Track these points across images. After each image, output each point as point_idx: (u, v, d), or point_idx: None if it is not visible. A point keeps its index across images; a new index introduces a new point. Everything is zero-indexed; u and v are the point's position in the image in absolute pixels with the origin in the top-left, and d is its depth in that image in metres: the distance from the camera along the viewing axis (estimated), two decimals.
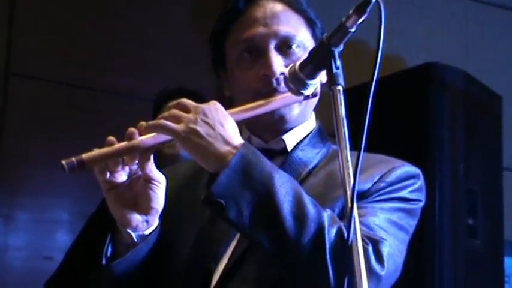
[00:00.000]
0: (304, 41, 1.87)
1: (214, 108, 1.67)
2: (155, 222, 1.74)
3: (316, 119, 1.94)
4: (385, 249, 1.66)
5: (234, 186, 1.58)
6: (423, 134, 3.73)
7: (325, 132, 1.94)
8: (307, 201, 1.60)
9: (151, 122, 1.66)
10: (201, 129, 1.63)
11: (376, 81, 1.42)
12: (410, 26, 4.80)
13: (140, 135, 1.66)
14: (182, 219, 1.82)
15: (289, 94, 1.72)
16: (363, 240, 1.57)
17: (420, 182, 1.86)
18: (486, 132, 3.99)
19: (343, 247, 1.50)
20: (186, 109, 1.66)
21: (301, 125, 1.88)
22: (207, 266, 1.75)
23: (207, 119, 1.64)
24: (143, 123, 1.67)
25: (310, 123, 1.92)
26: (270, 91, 1.80)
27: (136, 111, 3.83)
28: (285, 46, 1.84)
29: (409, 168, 1.84)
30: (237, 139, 1.65)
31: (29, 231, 4.13)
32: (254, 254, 1.72)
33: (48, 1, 4.30)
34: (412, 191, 1.83)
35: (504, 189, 4.10)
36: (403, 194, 1.81)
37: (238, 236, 1.76)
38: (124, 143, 1.65)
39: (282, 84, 1.74)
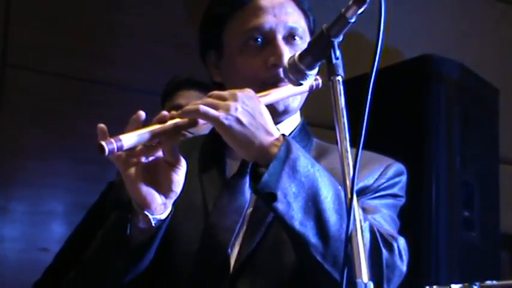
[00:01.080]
0: (304, 32, 1.89)
1: (251, 96, 1.66)
2: (170, 207, 1.71)
3: (301, 114, 1.96)
4: (401, 245, 1.71)
5: (283, 179, 1.59)
6: (420, 126, 3.73)
7: (308, 127, 1.96)
8: (343, 194, 1.62)
9: (188, 107, 1.63)
10: (243, 117, 1.61)
11: (375, 73, 1.41)
12: (408, 18, 4.80)
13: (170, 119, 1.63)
14: (182, 208, 1.78)
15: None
16: (386, 239, 1.65)
17: (405, 179, 1.92)
18: (483, 124, 3.99)
19: (375, 243, 1.60)
20: (221, 97, 1.64)
21: (290, 118, 1.90)
22: (223, 255, 1.74)
23: (247, 107, 1.63)
24: (174, 112, 1.64)
25: (297, 117, 1.94)
26: (278, 80, 1.81)
27: (133, 102, 3.81)
28: (290, 37, 1.86)
29: (399, 165, 1.91)
30: (275, 129, 1.66)
31: (24, 222, 4.12)
32: (266, 242, 1.74)
33: None
34: (400, 188, 1.89)
35: (500, 181, 4.11)
36: (395, 190, 1.88)
37: (246, 223, 1.77)
38: (159, 126, 1.61)
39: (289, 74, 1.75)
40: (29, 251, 4.07)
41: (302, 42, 1.86)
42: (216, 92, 1.67)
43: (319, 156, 1.85)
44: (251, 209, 1.80)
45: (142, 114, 1.63)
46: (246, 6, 1.87)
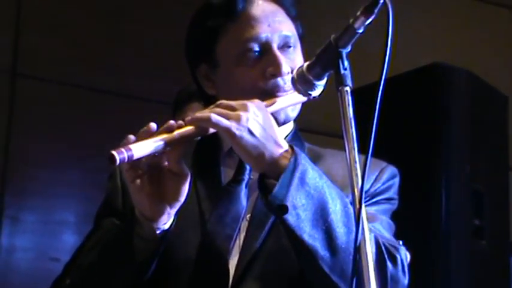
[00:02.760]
0: (295, 40, 1.90)
1: (261, 107, 1.67)
2: (173, 216, 1.71)
3: (294, 121, 1.96)
4: (403, 257, 1.72)
5: (293, 191, 1.59)
6: (429, 134, 3.72)
7: (300, 132, 1.97)
8: (350, 206, 1.62)
9: (199, 115, 1.64)
10: (254, 128, 1.62)
11: (384, 82, 1.42)
12: (417, 27, 4.80)
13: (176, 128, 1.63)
14: (178, 217, 1.76)
15: (295, 93, 1.73)
16: (390, 252, 1.66)
17: (398, 181, 1.92)
18: (492, 133, 3.98)
19: (381, 256, 1.61)
20: (231, 108, 1.65)
21: (284, 126, 1.90)
22: (223, 263, 1.73)
23: (258, 118, 1.64)
24: (181, 122, 1.64)
25: (290, 124, 1.94)
26: (278, 90, 1.82)
27: (143, 112, 3.83)
28: (285, 46, 1.87)
29: (392, 168, 1.91)
30: (283, 141, 1.67)
31: (35, 232, 4.14)
32: (266, 250, 1.74)
33: (54, 1, 4.30)
34: (394, 191, 1.89)
35: (510, 190, 4.09)
36: (390, 193, 1.88)
37: (244, 231, 1.77)
38: (168, 136, 1.61)
39: (288, 84, 1.76)
40: (40, 261, 4.08)
41: (295, 50, 1.88)
42: (224, 102, 1.67)
43: (313, 161, 1.84)
44: (248, 215, 1.80)
45: (153, 126, 1.63)
46: (239, 17, 1.86)
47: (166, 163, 1.67)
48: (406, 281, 1.71)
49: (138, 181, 1.65)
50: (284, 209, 1.58)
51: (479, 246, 3.74)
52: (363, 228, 1.37)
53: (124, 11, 4.41)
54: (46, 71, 4.19)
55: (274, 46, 1.85)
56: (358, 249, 1.35)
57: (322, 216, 1.61)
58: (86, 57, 4.26)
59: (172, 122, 1.64)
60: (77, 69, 4.23)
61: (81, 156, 4.16)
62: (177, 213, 1.72)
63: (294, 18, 1.93)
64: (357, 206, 1.38)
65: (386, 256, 1.66)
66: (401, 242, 1.76)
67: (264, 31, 1.85)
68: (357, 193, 1.40)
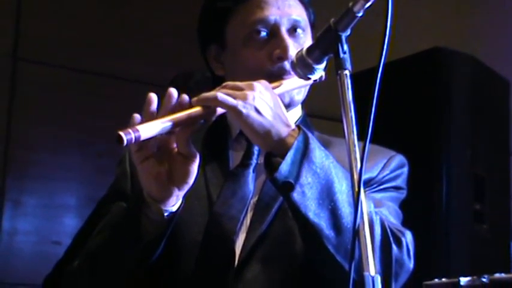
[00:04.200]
0: (306, 25, 1.90)
1: (267, 87, 1.68)
2: (181, 198, 1.72)
3: (302, 107, 1.96)
4: (409, 241, 1.72)
5: (299, 168, 1.60)
6: (430, 119, 3.72)
7: (309, 119, 1.97)
8: None
9: (205, 95, 1.63)
10: (261, 106, 1.62)
11: (383, 66, 1.42)
12: (418, 11, 4.79)
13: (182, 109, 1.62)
14: (186, 199, 1.76)
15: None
16: (396, 234, 1.66)
17: (407, 170, 1.92)
18: (493, 117, 3.98)
19: (386, 238, 1.61)
20: (237, 88, 1.65)
21: (292, 111, 1.91)
22: (229, 244, 1.74)
23: (264, 97, 1.64)
24: (186, 97, 1.63)
25: (298, 110, 1.95)
26: (284, 73, 1.82)
27: (145, 96, 3.83)
28: (293, 29, 1.87)
29: (401, 157, 1.91)
30: (290, 120, 1.67)
31: (37, 216, 4.15)
32: (272, 232, 1.75)
33: None
34: (402, 180, 1.90)
35: (511, 174, 4.10)
36: (398, 182, 1.89)
37: (251, 213, 1.78)
38: (176, 116, 1.60)
39: None
40: (41, 244, 4.10)
41: (304, 35, 1.88)
42: (231, 83, 1.68)
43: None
44: (255, 198, 1.81)
45: (154, 97, 1.63)
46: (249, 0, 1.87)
47: (174, 145, 1.66)
48: (411, 265, 1.71)
49: (147, 163, 1.65)
50: (290, 187, 1.59)
51: (480, 230, 3.75)
52: (362, 211, 1.36)
53: None
54: (47, 55, 4.19)
55: (283, 29, 1.85)
56: (357, 232, 1.35)
57: (328, 196, 1.61)
58: (86, 42, 4.26)
59: (185, 97, 1.63)
60: (77, 54, 4.23)
61: (82, 140, 4.17)
62: (185, 196, 1.72)
63: (306, 4, 1.93)
64: (356, 189, 1.38)
65: (391, 239, 1.67)
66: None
67: (272, 13, 1.85)
68: (356, 176, 1.40)
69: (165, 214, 1.69)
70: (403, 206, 1.91)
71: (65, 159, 4.21)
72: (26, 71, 4.15)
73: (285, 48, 1.82)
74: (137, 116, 1.60)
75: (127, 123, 1.61)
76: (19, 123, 4.09)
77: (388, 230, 1.67)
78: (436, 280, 1.83)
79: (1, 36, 4.12)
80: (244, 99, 1.61)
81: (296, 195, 1.59)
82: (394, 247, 1.67)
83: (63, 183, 4.21)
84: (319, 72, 1.65)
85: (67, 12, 4.25)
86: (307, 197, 1.60)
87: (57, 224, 4.16)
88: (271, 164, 1.62)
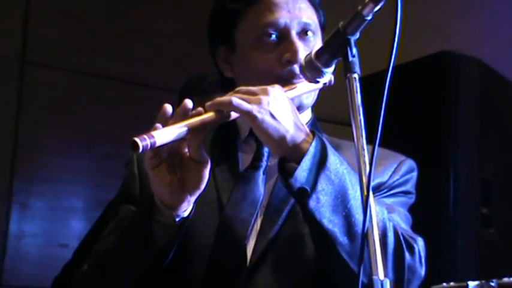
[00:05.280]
0: (316, 28, 1.90)
1: (281, 92, 1.67)
2: (192, 204, 1.71)
3: (312, 110, 1.96)
4: (421, 248, 1.72)
5: (314, 175, 1.60)
6: (438, 123, 3.72)
7: (319, 122, 1.96)
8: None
9: (219, 100, 1.62)
10: (276, 111, 1.61)
11: (392, 69, 1.42)
12: (426, 14, 4.79)
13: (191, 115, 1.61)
14: (196, 202, 1.76)
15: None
16: (408, 241, 1.66)
17: (416, 175, 1.92)
18: (501, 121, 3.97)
19: (399, 245, 1.61)
20: (251, 92, 1.64)
21: (302, 114, 1.89)
22: (240, 247, 1.74)
23: (278, 101, 1.63)
24: (200, 109, 1.62)
25: (308, 113, 1.95)
26: (293, 77, 1.81)
27: (152, 99, 3.83)
28: (303, 33, 1.87)
29: (411, 162, 1.91)
30: (305, 126, 1.66)
31: (44, 218, 4.15)
32: (283, 235, 1.75)
33: None
34: (412, 185, 1.89)
35: None
36: (408, 187, 1.88)
37: (262, 216, 1.78)
38: (189, 122, 1.59)
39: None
40: (48, 247, 4.10)
41: (314, 38, 1.88)
42: (244, 88, 1.67)
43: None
44: (266, 201, 1.80)
45: (169, 108, 1.62)
46: (260, 2, 1.86)
47: (186, 150, 1.66)
48: (422, 271, 1.71)
49: (158, 169, 1.65)
50: (304, 193, 1.59)
51: (488, 234, 3.74)
52: (371, 216, 1.36)
53: None
54: (55, 58, 4.19)
55: (293, 32, 1.85)
56: (366, 236, 1.35)
57: (342, 202, 1.61)
58: (95, 45, 4.26)
59: (189, 105, 1.62)
60: (86, 57, 4.24)
61: (90, 143, 4.17)
62: (195, 200, 1.72)
63: (316, 7, 1.93)
64: (365, 193, 1.38)
65: (404, 246, 1.66)
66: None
67: (283, 16, 1.85)
68: (364, 180, 1.40)
69: (177, 220, 1.68)
70: (411, 209, 1.91)
71: (72, 162, 4.21)
72: (34, 74, 4.16)
73: (294, 52, 1.82)
74: (159, 126, 1.59)
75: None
76: (27, 126, 4.09)
77: (401, 237, 1.67)
78: (444, 284, 1.82)
79: (9, 39, 4.13)
80: (258, 104, 1.60)
81: (311, 201, 1.59)
82: (407, 254, 1.67)
83: (70, 186, 4.21)
84: (328, 75, 1.65)
85: (75, 16, 4.26)
86: (321, 204, 1.59)
87: (64, 226, 4.16)
88: (285, 169, 1.62)
